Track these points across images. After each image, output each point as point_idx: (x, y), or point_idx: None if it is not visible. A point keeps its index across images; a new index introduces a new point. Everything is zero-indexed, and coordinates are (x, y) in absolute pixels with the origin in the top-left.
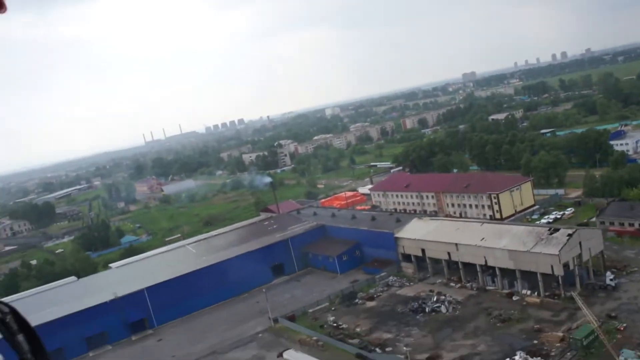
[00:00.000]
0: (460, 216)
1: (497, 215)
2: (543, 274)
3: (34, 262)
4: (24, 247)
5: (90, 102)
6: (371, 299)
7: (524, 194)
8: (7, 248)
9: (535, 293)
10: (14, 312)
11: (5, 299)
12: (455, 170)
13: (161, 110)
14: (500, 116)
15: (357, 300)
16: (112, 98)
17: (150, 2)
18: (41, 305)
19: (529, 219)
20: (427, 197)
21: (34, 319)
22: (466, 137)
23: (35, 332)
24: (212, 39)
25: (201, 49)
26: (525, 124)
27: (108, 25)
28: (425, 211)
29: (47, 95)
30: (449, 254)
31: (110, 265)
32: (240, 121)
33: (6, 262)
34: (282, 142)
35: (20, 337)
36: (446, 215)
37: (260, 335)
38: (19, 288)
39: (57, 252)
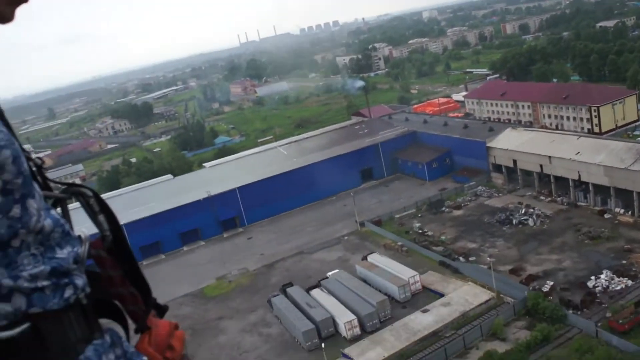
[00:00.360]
0: (557, 128)
1: (596, 130)
2: None
3: (133, 159)
4: (125, 145)
5: (186, 2)
6: (458, 207)
7: (627, 108)
8: (109, 146)
9: (630, 212)
10: (96, 196)
11: (109, 194)
12: (554, 80)
13: (256, 10)
14: (609, 23)
15: (444, 208)
16: None
17: None
18: (140, 200)
19: (630, 135)
20: (522, 106)
21: (134, 214)
22: (569, 45)
23: (113, 214)
24: None
25: None
26: (636, 32)
27: None
28: (519, 121)
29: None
30: (541, 166)
31: (204, 164)
32: (335, 23)
33: (108, 159)
34: (377, 45)
35: (101, 217)
36: (541, 127)
37: (346, 238)
38: (120, 184)
39: (154, 150)
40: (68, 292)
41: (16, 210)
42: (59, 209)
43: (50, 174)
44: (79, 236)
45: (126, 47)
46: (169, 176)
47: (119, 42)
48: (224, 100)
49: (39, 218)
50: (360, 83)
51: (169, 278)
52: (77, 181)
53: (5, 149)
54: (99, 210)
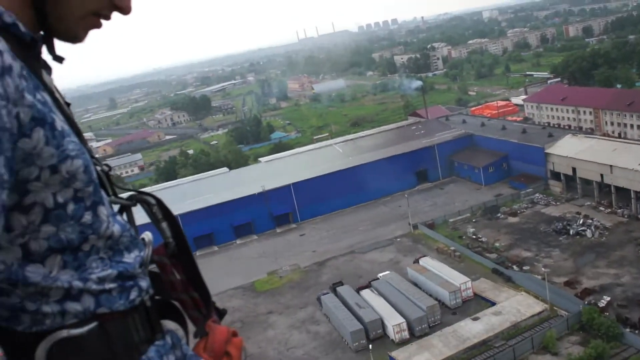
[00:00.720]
0: (619, 136)
1: None
2: None
3: (190, 151)
4: (182, 137)
5: None
6: (514, 214)
7: None
8: (168, 137)
9: None
10: (160, 203)
11: (165, 184)
12: (618, 86)
13: (314, 6)
14: None
15: (499, 215)
16: None
17: None
18: (196, 192)
19: None
20: (584, 112)
21: (189, 205)
22: (636, 50)
23: (176, 221)
24: None
25: None
26: None
27: None
28: (580, 128)
29: None
30: (601, 175)
31: (260, 159)
32: (394, 21)
33: (166, 150)
34: (435, 44)
35: (164, 225)
36: (603, 134)
37: (398, 239)
38: (177, 175)
39: (211, 143)
40: (133, 294)
41: (87, 217)
42: (124, 215)
43: (110, 162)
44: (143, 239)
45: (187, 40)
46: (225, 169)
47: (179, 35)
48: (281, 95)
49: (108, 224)
50: (417, 83)
51: (220, 270)
52: (135, 171)
53: (77, 158)
54: (162, 217)
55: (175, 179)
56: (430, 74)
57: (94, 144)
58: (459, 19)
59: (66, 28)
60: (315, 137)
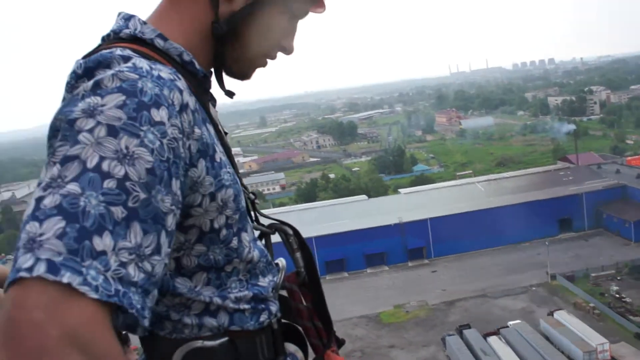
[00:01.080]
0: None
1: None
2: None
3: (332, 175)
4: (326, 160)
5: (398, 28)
6: None
7: None
8: (311, 159)
9: None
10: (296, 233)
11: (304, 205)
12: None
13: (469, 41)
14: None
15: None
16: (419, 25)
17: None
18: (332, 216)
19: None
20: None
21: (324, 228)
22: None
23: (310, 252)
24: None
25: None
26: None
27: None
28: None
29: (360, 22)
30: None
31: (400, 190)
32: (551, 61)
33: (309, 172)
34: (593, 88)
35: (298, 254)
36: None
37: (533, 288)
38: (317, 197)
39: (353, 169)
40: (263, 317)
41: (234, 242)
42: (263, 241)
43: (254, 178)
44: (277, 265)
45: (339, 67)
46: (364, 197)
47: (332, 61)
48: (427, 128)
49: (249, 249)
50: (570, 127)
51: (348, 297)
52: (277, 189)
53: (230, 188)
54: (297, 247)
55: (315, 201)
56: (584, 119)
57: (240, 159)
58: (622, 62)
59: (239, 68)
60: (458, 174)
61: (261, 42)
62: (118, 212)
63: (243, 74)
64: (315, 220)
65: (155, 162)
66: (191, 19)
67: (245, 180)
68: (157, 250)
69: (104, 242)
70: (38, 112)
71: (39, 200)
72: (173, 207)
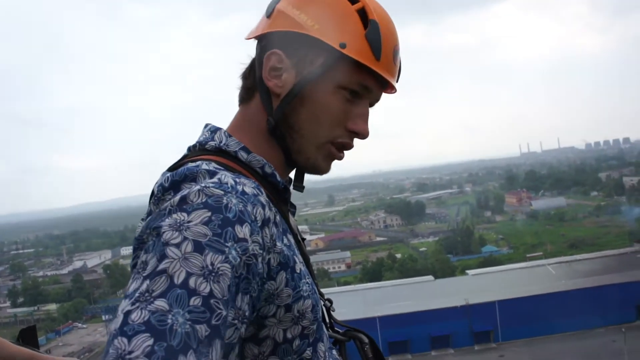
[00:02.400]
0: None
1: None
2: None
3: (398, 255)
4: (393, 240)
5: (468, 108)
6: None
7: None
8: (378, 238)
9: None
10: (372, 343)
11: (369, 284)
12: None
13: (539, 121)
14: None
15: None
16: (489, 106)
17: (539, 9)
18: (397, 296)
19: None
20: None
21: (389, 309)
22: None
23: None
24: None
25: (589, 56)
26: None
27: (494, 31)
28: None
29: (431, 101)
30: None
31: (467, 271)
32: (626, 140)
33: (375, 251)
34: None
35: None
36: None
37: None
38: (382, 277)
39: (420, 249)
40: None
41: (308, 352)
42: (338, 348)
43: (320, 256)
44: None
45: (408, 147)
46: (430, 277)
47: (401, 141)
48: (496, 209)
49: (324, 359)
50: None
51: None
52: (342, 267)
53: (308, 299)
54: (372, 356)
55: (380, 280)
56: None
57: (307, 237)
58: None
59: (305, 159)
60: (528, 255)
61: (316, 127)
62: (202, 330)
63: (313, 166)
64: (380, 299)
65: (232, 279)
66: (254, 124)
67: (312, 258)
68: None
69: None
70: (112, 186)
71: (127, 314)
72: (235, 322)
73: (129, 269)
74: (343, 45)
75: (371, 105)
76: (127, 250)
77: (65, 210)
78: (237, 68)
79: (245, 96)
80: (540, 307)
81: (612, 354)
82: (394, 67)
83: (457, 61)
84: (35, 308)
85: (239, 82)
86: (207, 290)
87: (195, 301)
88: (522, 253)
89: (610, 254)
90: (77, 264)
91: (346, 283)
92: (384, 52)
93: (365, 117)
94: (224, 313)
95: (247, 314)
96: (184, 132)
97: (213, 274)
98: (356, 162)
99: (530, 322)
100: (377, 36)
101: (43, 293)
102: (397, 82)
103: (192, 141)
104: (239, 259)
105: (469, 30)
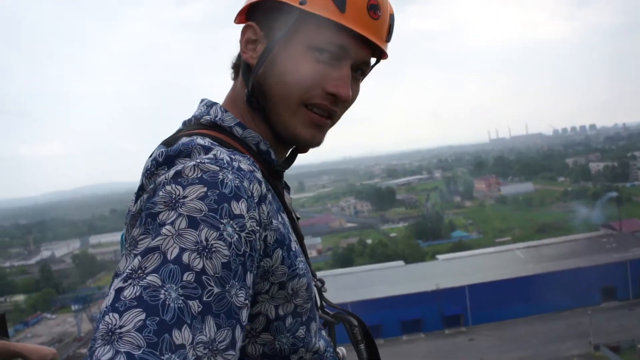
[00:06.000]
0: None
1: None
2: None
3: (369, 241)
4: (363, 225)
5: (437, 95)
6: None
7: None
8: (349, 225)
9: None
10: (362, 325)
11: (340, 270)
12: None
13: (507, 108)
14: None
15: None
16: (458, 92)
17: None
18: (368, 282)
19: None
20: None
21: (360, 294)
22: None
23: (374, 344)
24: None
25: (554, 43)
26: None
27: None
28: None
29: (399, 87)
30: None
31: (437, 256)
32: (592, 126)
33: (346, 237)
34: (637, 153)
35: (362, 346)
36: None
37: (575, 359)
38: (353, 262)
39: (390, 235)
40: None
41: (301, 331)
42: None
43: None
44: (338, 354)
45: (379, 134)
46: (401, 262)
47: (371, 127)
48: (466, 194)
49: (316, 339)
50: (612, 193)
51: None
52: (313, 254)
53: (303, 277)
54: (362, 339)
55: (351, 266)
56: (628, 184)
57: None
58: None
59: (284, 129)
60: (497, 240)
61: (284, 89)
62: (195, 306)
63: (294, 136)
64: (351, 285)
65: (232, 256)
66: (239, 100)
67: None
68: (232, 345)
69: (182, 335)
70: (78, 175)
71: (119, 291)
72: (247, 302)
73: (119, 247)
74: (303, 2)
75: (359, 68)
76: (95, 239)
77: (31, 199)
78: (204, 54)
79: (234, 74)
80: (509, 291)
81: (579, 335)
82: (371, 21)
83: (424, 47)
84: (3, 299)
85: (206, 69)
86: (200, 266)
87: (188, 277)
88: (491, 238)
89: (576, 238)
90: (45, 253)
91: (317, 269)
92: (352, 3)
93: (344, 79)
94: (215, 290)
95: (250, 292)
96: (149, 117)
97: (207, 250)
98: (326, 149)
99: (499, 305)
100: None
101: (10, 284)
102: (387, 41)
103: (158, 128)
104: (236, 236)
105: (435, 16)
